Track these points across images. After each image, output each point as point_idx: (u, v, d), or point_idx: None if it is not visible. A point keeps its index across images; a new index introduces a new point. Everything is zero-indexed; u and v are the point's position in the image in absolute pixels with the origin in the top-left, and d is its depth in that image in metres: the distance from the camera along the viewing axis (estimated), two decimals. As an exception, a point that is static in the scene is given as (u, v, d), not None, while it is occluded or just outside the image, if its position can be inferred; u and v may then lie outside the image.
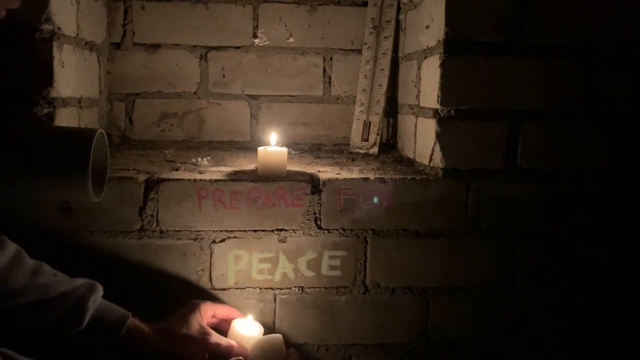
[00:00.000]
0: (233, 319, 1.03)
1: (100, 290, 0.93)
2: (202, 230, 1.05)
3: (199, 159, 1.23)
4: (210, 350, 0.96)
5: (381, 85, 1.43)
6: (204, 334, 0.96)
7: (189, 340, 0.94)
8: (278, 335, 1.02)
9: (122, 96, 1.49)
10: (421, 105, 1.22)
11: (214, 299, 1.05)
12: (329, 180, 1.07)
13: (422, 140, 1.19)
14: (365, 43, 1.47)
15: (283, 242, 1.07)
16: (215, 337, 0.97)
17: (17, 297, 0.86)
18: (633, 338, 1.17)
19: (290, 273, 1.08)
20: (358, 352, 1.12)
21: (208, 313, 1.00)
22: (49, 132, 0.92)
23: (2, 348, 0.75)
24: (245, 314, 1.05)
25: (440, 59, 1.08)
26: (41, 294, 0.87)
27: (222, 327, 1.03)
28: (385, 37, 1.43)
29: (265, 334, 1.03)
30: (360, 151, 1.44)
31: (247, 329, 1.01)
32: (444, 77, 1.08)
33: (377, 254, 1.09)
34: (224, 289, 1.07)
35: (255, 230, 1.06)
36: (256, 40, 1.48)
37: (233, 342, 0.98)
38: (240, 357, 0.97)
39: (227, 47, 1.50)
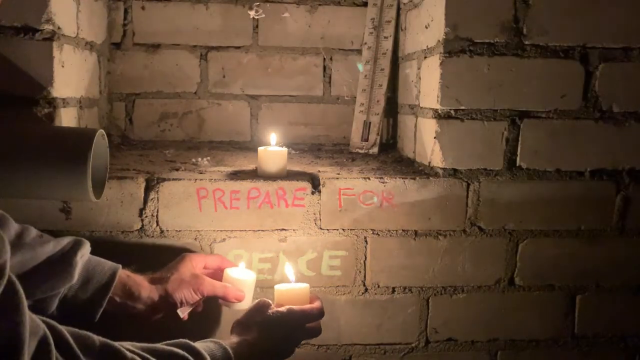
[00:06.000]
0: (225, 268, 1.01)
1: (87, 245, 0.91)
2: (202, 230, 1.05)
3: (199, 159, 1.23)
4: (205, 292, 0.95)
5: (381, 85, 1.43)
6: (197, 278, 0.95)
7: (183, 284, 0.93)
8: (306, 285, 0.99)
9: (122, 96, 1.49)
10: (421, 105, 1.22)
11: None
12: (329, 180, 1.07)
13: (422, 140, 1.19)
14: (365, 43, 1.47)
15: (283, 242, 1.07)
16: (209, 280, 0.96)
17: None
18: (633, 338, 1.17)
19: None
20: (358, 352, 1.12)
21: (200, 264, 0.99)
22: (49, 132, 0.92)
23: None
24: (236, 264, 1.03)
25: (440, 59, 1.08)
26: (29, 260, 0.85)
27: (216, 278, 1.00)
28: (385, 37, 1.43)
29: None
30: (360, 151, 1.44)
31: (240, 274, 1.00)
32: (444, 77, 1.08)
33: (377, 254, 1.09)
34: (224, 289, 1.07)
35: (255, 230, 1.06)
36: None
37: (228, 285, 0.97)
38: (264, 299, 0.95)
39: (227, 47, 1.50)
